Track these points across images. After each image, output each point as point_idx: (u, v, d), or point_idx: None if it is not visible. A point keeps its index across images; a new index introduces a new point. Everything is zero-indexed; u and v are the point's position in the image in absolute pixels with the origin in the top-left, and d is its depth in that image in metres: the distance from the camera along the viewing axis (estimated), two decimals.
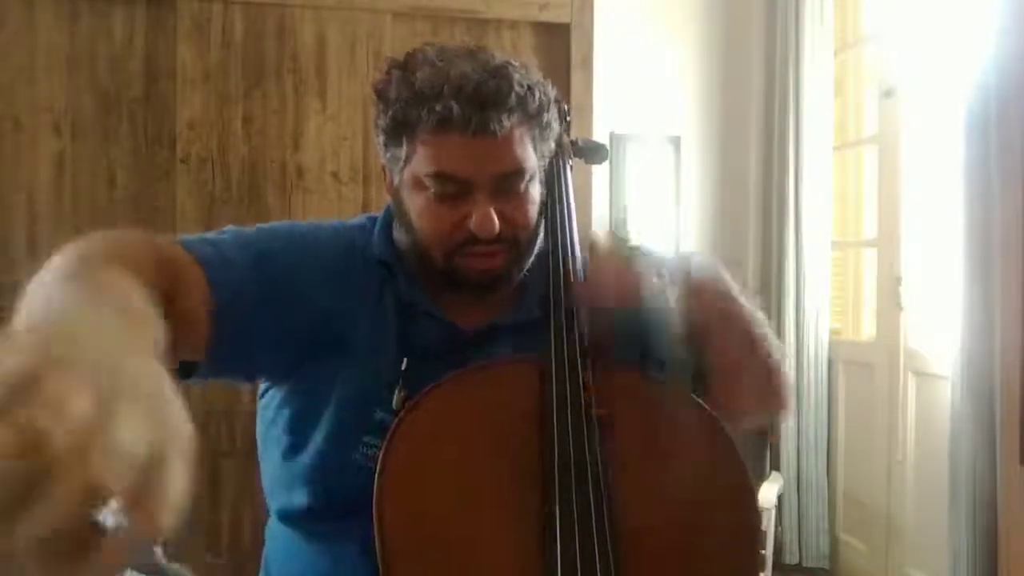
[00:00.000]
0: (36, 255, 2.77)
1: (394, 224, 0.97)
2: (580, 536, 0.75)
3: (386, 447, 0.79)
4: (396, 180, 0.93)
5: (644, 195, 3.31)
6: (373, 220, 1.01)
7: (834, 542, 3.14)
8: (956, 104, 2.28)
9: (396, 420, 0.81)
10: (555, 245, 0.96)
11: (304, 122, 2.93)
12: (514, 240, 0.92)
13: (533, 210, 0.94)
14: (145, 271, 0.69)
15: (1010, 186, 1.97)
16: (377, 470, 0.78)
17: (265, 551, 1.02)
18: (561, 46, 3.12)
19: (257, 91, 2.90)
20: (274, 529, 1.00)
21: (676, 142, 3.34)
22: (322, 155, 2.94)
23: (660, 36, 3.32)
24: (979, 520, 2.14)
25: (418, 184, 0.90)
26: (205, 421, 2.73)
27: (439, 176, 0.88)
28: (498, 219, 0.89)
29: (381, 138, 0.93)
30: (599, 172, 3.17)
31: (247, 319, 0.85)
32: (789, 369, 1.01)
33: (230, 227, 0.93)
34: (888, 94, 2.88)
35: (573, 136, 1.15)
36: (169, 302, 0.71)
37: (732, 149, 3.41)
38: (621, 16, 3.23)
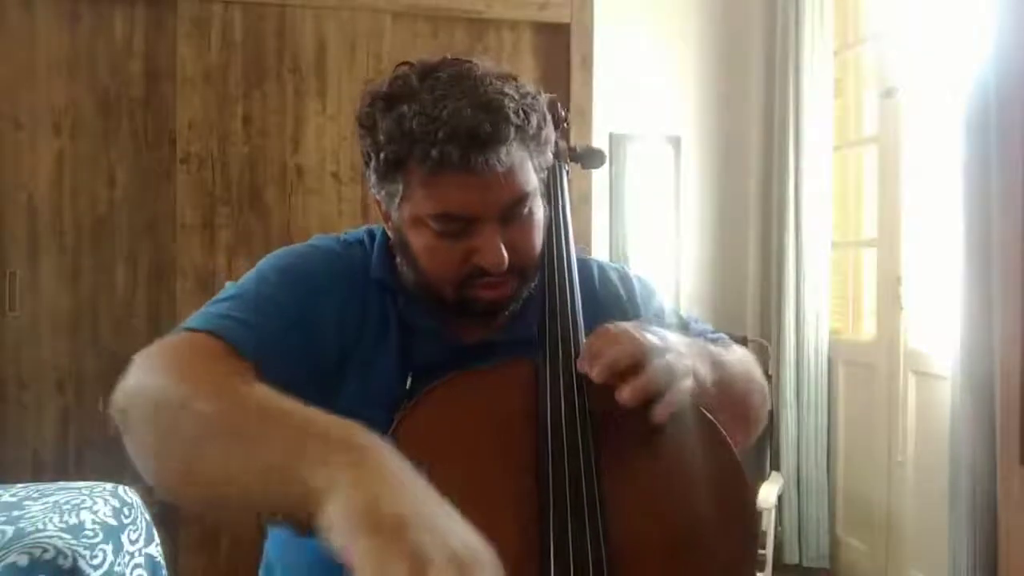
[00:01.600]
0: (36, 254, 2.78)
1: (397, 257, 0.95)
2: (573, 534, 0.75)
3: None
4: (395, 216, 0.91)
5: (644, 195, 3.31)
6: (372, 235, 0.99)
7: (834, 542, 3.14)
8: (956, 104, 2.28)
9: (396, 418, 0.81)
10: (551, 254, 0.95)
11: (304, 122, 2.93)
12: (521, 269, 0.91)
13: (538, 233, 0.92)
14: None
15: (1010, 186, 1.97)
16: None
17: (266, 548, 1.02)
18: (561, 46, 3.12)
19: (257, 91, 2.90)
20: (275, 529, 1.00)
21: (676, 142, 3.34)
22: (322, 155, 2.94)
23: (660, 36, 3.33)
24: (979, 520, 2.14)
25: (419, 223, 0.88)
26: None
27: (443, 216, 0.86)
28: (506, 249, 0.87)
29: (372, 176, 0.90)
30: (599, 172, 3.17)
31: (289, 376, 0.82)
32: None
33: (230, 286, 0.91)
34: (888, 94, 2.88)
35: (571, 140, 1.14)
36: None
37: (732, 149, 3.41)
38: (621, 16, 3.23)
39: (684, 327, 1.05)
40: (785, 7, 3.18)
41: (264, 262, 0.95)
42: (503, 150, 0.83)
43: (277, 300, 0.88)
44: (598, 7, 3.14)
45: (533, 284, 0.94)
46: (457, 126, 0.81)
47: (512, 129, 0.84)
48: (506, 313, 0.93)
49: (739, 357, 1.01)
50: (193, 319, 0.85)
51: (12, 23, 2.76)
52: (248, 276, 0.92)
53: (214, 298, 0.89)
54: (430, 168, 0.83)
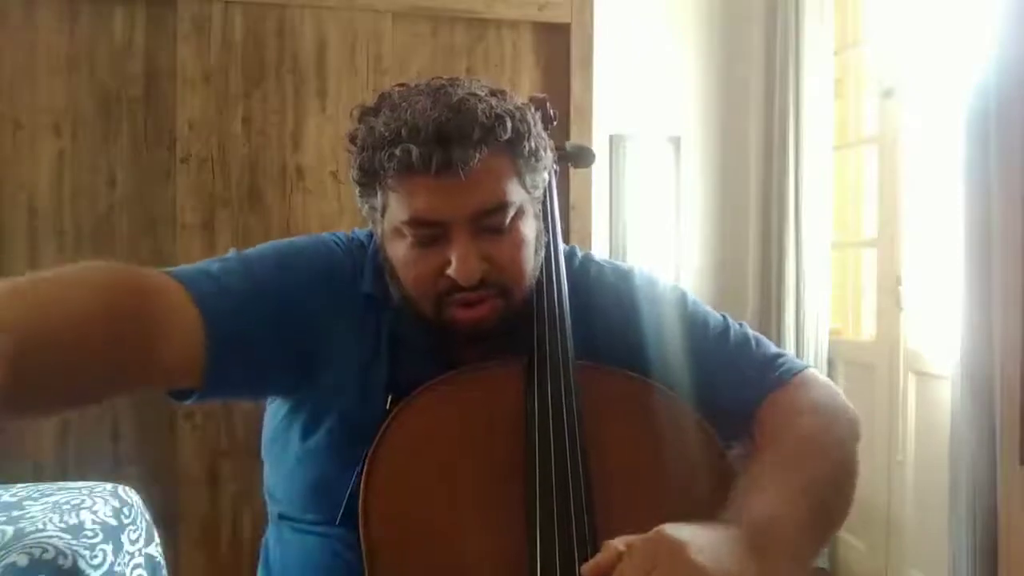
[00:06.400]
0: (36, 254, 2.77)
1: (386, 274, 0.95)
2: (560, 536, 0.75)
3: (374, 446, 0.79)
4: (379, 231, 0.91)
5: (644, 195, 3.31)
6: (372, 238, 0.98)
7: (834, 542, 3.13)
8: (956, 104, 2.27)
9: (386, 420, 0.82)
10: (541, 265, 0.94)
11: (304, 122, 2.93)
12: (503, 287, 0.88)
13: (523, 251, 0.89)
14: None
15: (1010, 186, 1.97)
16: (364, 468, 0.79)
17: (264, 546, 1.02)
18: (561, 46, 3.12)
19: (257, 91, 2.90)
20: (273, 527, 1.01)
21: (676, 142, 3.34)
22: (322, 155, 2.94)
23: (660, 36, 3.32)
24: (979, 520, 2.14)
25: (397, 233, 0.88)
26: (204, 421, 2.74)
27: (413, 222, 0.85)
28: (482, 261, 0.85)
29: (357, 191, 0.91)
30: (598, 172, 3.17)
31: (248, 348, 0.84)
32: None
33: (232, 252, 0.93)
34: (888, 94, 2.88)
35: (567, 140, 1.14)
36: (142, 331, 0.76)
37: (732, 149, 3.41)
38: (621, 16, 3.23)
39: (723, 341, 0.99)
40: (785, 7, 3.18)
41: (269, 244, 0.96)
42: (469, 149, 0.82)
43: (268, 277, 0.89)
44: (598, 7, 3.14)
45: (520, 308, 0.91)
46: (419, 124, 0.81)
47: (478, 129, 0.82)
48: (495, 333, 0.90)
49: (820, 442, 0.90)
50: (182, 267, 0.87)
51: (12, 23, 2.76)
52: (251, 251, 0.94)
53: (216, 257, 0.91)
54: (396, 169, 0.83)
